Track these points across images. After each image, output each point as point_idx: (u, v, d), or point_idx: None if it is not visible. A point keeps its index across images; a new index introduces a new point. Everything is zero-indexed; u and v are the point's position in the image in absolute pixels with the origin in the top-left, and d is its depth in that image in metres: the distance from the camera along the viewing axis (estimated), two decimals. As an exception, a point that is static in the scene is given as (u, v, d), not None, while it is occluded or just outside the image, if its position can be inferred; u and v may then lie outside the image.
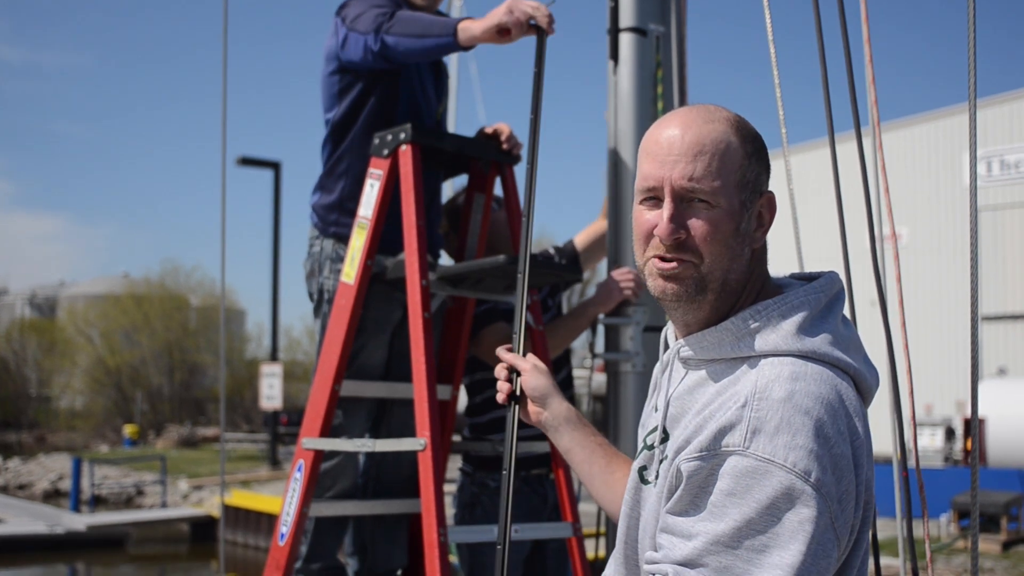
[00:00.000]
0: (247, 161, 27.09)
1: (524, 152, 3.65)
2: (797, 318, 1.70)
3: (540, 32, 3.34)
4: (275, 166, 28.35)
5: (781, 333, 1.69)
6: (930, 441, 19.77)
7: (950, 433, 20.29)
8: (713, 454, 1.59)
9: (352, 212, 3.64)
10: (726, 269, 1.74)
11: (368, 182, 3.53)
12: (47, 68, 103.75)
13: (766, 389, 1.61)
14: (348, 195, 3.69)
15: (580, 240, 4.31)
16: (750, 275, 1.78)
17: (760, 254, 1.81)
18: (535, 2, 3.35)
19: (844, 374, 1.68)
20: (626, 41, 3.93)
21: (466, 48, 3.38)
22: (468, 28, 3.35)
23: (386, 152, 3.49)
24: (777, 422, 1.57)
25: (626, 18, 3.95)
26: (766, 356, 1.67)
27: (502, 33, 3.35)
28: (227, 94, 5.31)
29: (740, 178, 1.74)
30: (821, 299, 1.74)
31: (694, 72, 4.24)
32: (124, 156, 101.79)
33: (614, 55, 3.93)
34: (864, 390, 1.72)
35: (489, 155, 3.73)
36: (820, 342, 1.68)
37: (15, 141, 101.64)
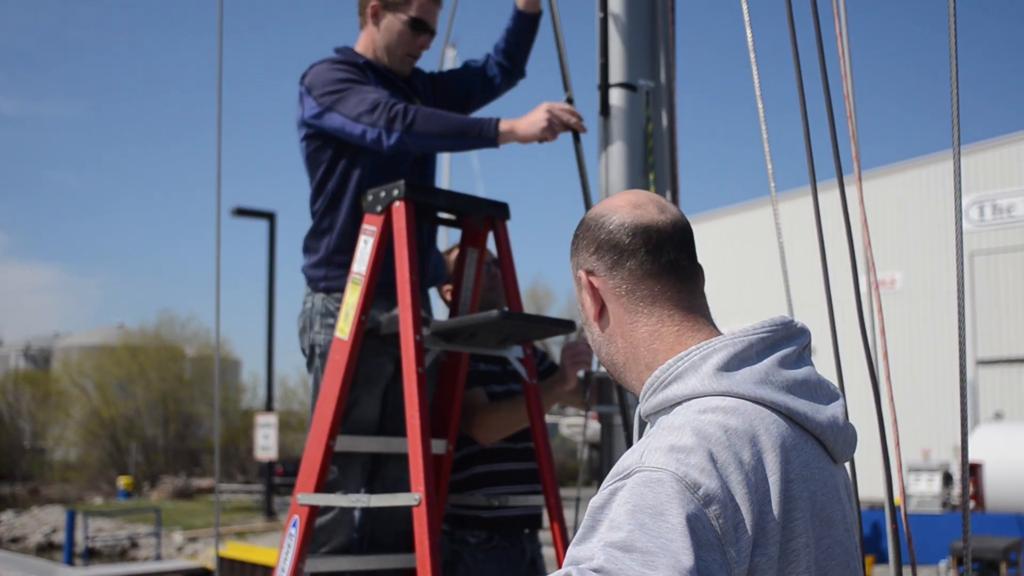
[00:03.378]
0: (242, 212, 27.17)
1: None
2: (716, 359, 1.65)
3: (575, 133, 3.68)
4: (270, 216, 28.43)
5: (700, 375, 1.64)
6: (928, 487, 19.74)
7: (948, 478, 20.25)
8: (612, 482, 1.52)
9: (339, 265, 3.73)
10: (606, 354, 1.82)
11: (362, 238, 3.57)
12: (42, 118, 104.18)
13: (671, 421, 1.60)
14: (334, 249, 3.77)
15: None
16: (642, 351, 1.77)
17: (640, 335, 1.77)
18: (568, 108, 3.65)
19: (773, 412, 1.62)
20: (616, 96, 3.98)
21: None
22: (510, 134, 3.59)
23: (379, 208, 3.52)
24: (669, 439, 1.53)
25: (616, 74, 4.00)
26: (688, 399, 1.64)
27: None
28: (221, 145, 5.37)
29: (575, 270, 1.85)
30: (750, 340, 1.69)
31: (683, 125, 4.31)
32: (119, 206, 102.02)
33: (604, 111, 3.98)
34: (811, 429, 1.66)
35: (482, 210, 3.76)
36: (740, 379, 1.63)
37: (10, 191, 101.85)
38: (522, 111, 3.68)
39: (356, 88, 3.68)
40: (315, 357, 3.76)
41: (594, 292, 1.80)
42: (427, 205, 3.66)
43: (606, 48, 4.02)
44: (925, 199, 32.79)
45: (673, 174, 4.12)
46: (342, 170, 3.79)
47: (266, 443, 27.15)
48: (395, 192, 3.49)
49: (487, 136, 3.58)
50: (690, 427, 1.55)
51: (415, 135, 3.56)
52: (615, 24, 4.04)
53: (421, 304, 3.52)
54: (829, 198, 3.12)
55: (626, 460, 1.55)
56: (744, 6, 3.73)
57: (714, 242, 37.34)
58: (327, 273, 3.78)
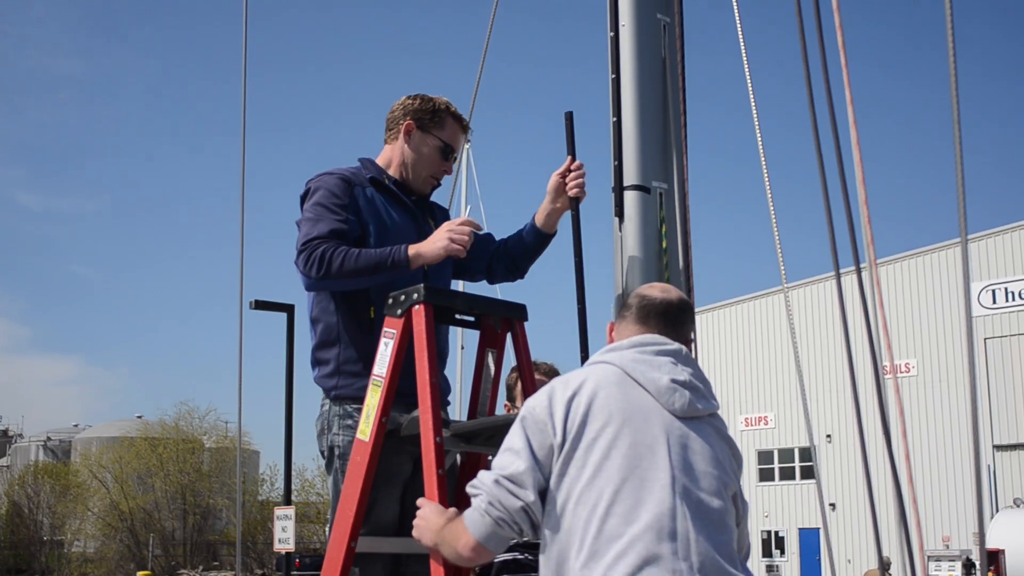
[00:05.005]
0: (261, 305, 27.32)
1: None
2: (610, 347, 2.91)
3: (574, 202, 3.88)
4: (289, 309, 28.57)
5: (597, 354, 2.93)
6: (948, 575, 19.46)
7: (970, 566, 19.98)
8: None
9: (350, 374, 3.83)
10: None
11: (382, 341, 3.64)
12: (64, 213, 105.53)
13: None
14: (344, 360, 3.88)
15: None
16: None
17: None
18: (463, 221, 3.86)
19: (614, 368, 2.80)
20: (630, 199, 4.06)
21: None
22: (417, 257, 3.80)
23: (399, 312, 3.60)
24: None
25: (630, 176, 4.09)
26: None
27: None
28: (244, 241, 5.47)
29: None
30: (624, 343, 2.88)
31: (696, 223, 4.39)
32: (139, 299, 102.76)
33: (619, 212, 4.06)
34: (641, 383, 2.76)
35: (500, 312, 3.84)
36: (607, 356, 2.85)
37: (32, 285, 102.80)
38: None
39: (315, 215, 3.85)
40: (334, 458, 3.82)
41: (610, 332, 3.05)
42: (446, 307, 3.73)
43: (620, 151, 4.12)
44: (937, 285, 32.79)
45: (687, 273, 4.19)
46: None
47: (284, 536, 26.97)
48: (415, 296, 3.56)
49: (400, 264, 3.78)
50: (560, 376, 2.85)
51: (329, 280, 3.77)
52: (628, 128, 4.15)
53: (440, 405, 3.57)
54: (845, 285, 3.19)
55: None
56: (753, 109, 3.83)
57: (728, 330, 37.33)
58: (339, 382, 3.88)
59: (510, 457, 2.75)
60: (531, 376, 3.88)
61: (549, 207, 4.08)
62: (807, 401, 5.17)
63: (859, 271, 3.23)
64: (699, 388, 2.85)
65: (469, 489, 2.79)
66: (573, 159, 3.99)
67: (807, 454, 39.72)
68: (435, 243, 3.80)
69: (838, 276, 3.27)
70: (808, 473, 41.09)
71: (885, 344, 3.37)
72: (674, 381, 2.78)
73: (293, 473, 31.55)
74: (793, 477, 41.95)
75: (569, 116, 3.97)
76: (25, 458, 68.17)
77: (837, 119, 3.17)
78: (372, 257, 3.78)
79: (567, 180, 3.97)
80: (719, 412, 2.95)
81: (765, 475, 42.92)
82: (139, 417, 61.92)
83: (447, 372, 4.14)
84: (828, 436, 37.30)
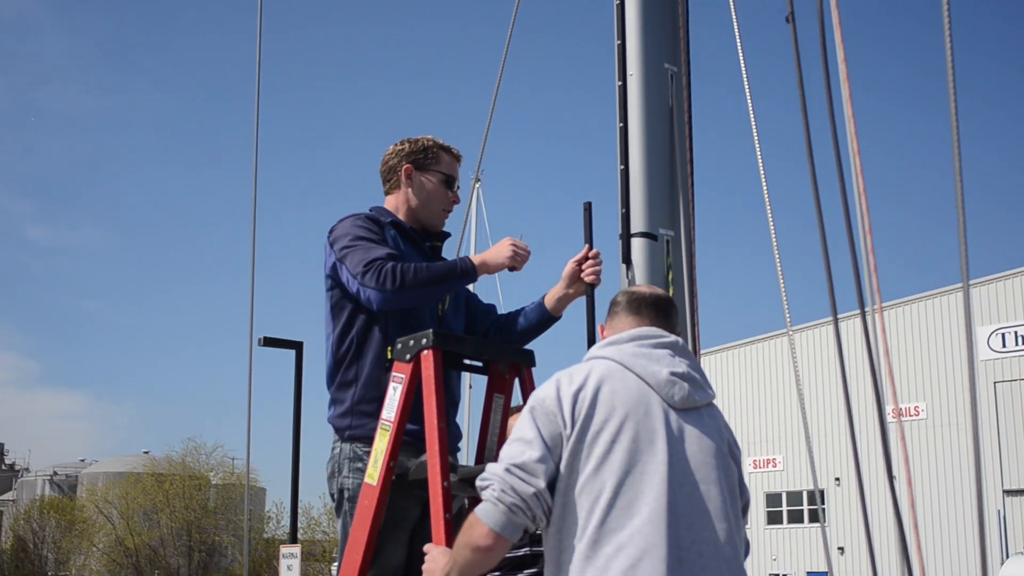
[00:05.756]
0: (270, 341, 27.34)
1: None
2: (604, 342, 3.01)
3: (590, 288, 3.95)
4: (297, 346, 28.60)
5: (594, 349, 3.03)
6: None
7: (982, 613, 19.83)
8: None
9: (364, 414, 3.86)
10: None
11: (391, 386, 3.67)
12: (74, 247, 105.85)
13: None
14: (359, 399, 3.92)
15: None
16: None
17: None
18: (523, 245, 3.99)
19: (614, 363, 2.89)
20: (637, 246, 4.12)
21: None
22: (483, 266, 3.94)
23: (408, 357, 3.63)
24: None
25: (637, 223, 4.14)
26: (587, 359, 3.01)
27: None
28: (254, 276, 5.52)
29: None
30: (622, 336, 2.98)
31: (702, 265, 4.42)
32: (147, 334, 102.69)
33: (626, 259, 4.11)
34: (642, 376, 2.86)
35: (508, 358, 3.87)
36: (606, 350, 2.95)
37: (41, 319, 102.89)
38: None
39: (363, 245, 3.90)
40: (344, 501, 3.85)
41: (602, 332, 3.16)
42: (454, 353, 3.77)
43: (627, 198, 4.18)
44: (946, 328, 32.73)
45: (694, 319, 4.23)
46: (364, 320, 3.95)
47: (290, 574, 26.89)
48: (424, 341, 3.60)
49: (468, 272, 3.90)
50: (563, 371, 2.92)
51: (406, 292, 3.79)
52: (636, 175, 4.20)
53: (448, 450, 3.61)
54: (851, 328, 3.24)
55: None
56: (758, 154, 3.88)
57: (735, 372, 37.29)
58: (352, 422, 3.91)
59: (521, 446, 2.80)
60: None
61: (561, 292, 4.13)
62: (812, 444, 5.18)
63: (864, 315, 3.27)
64: (696, 379, 2.95)
65: (478, 482, 2.83)
66: (591, 247, 4.03)
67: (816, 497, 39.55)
68: (500, 254, 3.95)
69: (836, 322, 3.31)
70: (817, 516, 40.86)
71: (889, 388, 3.41)
72: (673, 374, 2.89)
73: (299, 511, 31.48)
74: (801, 520, 41.72)
75: (588, 206, 4.01)
76: (31, 492, 68.06)
77: (842, 166, 3.21)
78: (441, 268, 3.88)
79: (584, 267, 4.02)
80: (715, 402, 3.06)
81: (773, 518, 42.70)
82: (146, 452, 61.82)
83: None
84: (836, 479, 37.12)
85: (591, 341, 3.89)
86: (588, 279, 3.98)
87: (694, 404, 2.91)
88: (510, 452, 2.81)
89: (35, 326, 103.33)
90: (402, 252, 4.00)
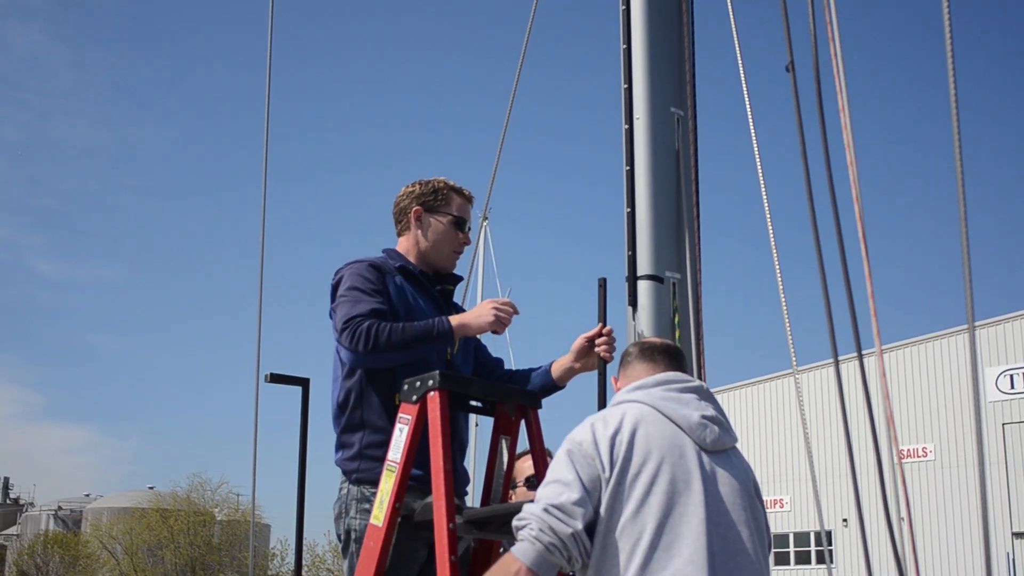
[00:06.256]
0: (276, 378, 27.34)
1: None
2: (631, 387, 3.09)
3: (602, 363, 3.95)
4: (304, 383, 28.57)
5: (621, 393, 3.11)
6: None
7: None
8: None
9: (372, 458, 3.86)
10: None
11: (397, 427, 3.68)
12: (82, 281, 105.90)
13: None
14: (367, 444, 3.92)
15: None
16: None
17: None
18: (506, 301, 3.92)
19: (645, 406, 2.96)
20: (644, 288, 4.13)
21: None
22: (462, 328, 3.89)
23: (415, 398, 3.65)
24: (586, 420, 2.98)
25: (643, 266, 4.16)
26: (615, 403, 3.07)
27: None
28: (262, 313, 5.54)
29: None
30: (648, 381, 3.06)
31: (709, 313, 4.44)
32: (153, 369, 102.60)
33: (633, 302, 4.13)
34: (673, 420, 2.94)
35: (514, 399, 3.88)
36: (635, 394, 3.03)
37: (48, 353, 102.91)
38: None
39: (352, 297, 3.92)
40: (351, 542, 3.85)
41: (615, 385, 3.26)
42: (461, 394, 3.78)
43: (634, 241, 4.20)
44: (954, 369, 32.66)
45: (700, 362, 4.24)
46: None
47: (294, 612, 26.75)
48: (430, 382, 3.62)
49: (445, 335, 3.85)
50: (596, 415, 2.98)
51: (379, 354, 3.82)
52: (642, 218, 4.22)
53: (455, 493, 3.61)
54: (854, 369, 3.26)
55: None
56: (764, 195, 3.91)
57: (742, 412, 37.19)
58: (360, 465, 3.92)
59: (559, 488, 2.84)
60: (545, 466, 3.91)
61: (569, 365, 4.13)
62: (819, 485, 5.18)
63: (861, 359, 3.29)
64: (723, 423, 3.05)
65: (515, 522, 2.88)
66: (604, 325, 4.03)
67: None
68: (480, 317, 3.89)
69: (836, 364, 3.33)
70: (824, 557, 40.59)
71: (891, 429, 3.44)
72: (704, 417, 2.98)
73: (304, 548, 31.35)
74: (809, 561, 41.45)
75: (602, 283, 4.01)
76: (35, 527, 67.85)
77: (840, 206, 3.24)
78: (417, 330, 3.86)
79: (597, 343, 4.01)
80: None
81: (780, 559, 42.42)
82: (151, 488, 61.68)
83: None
84: (844, 520, 36.91)
85: (602, 406, 3.90)
86: (602, 355, 3.98)
87: (723, 447, 3.00)
88: (548, 493, 2.85)
89: (42, 359, 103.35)
90: (408, 301, 4.02)
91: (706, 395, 3.09)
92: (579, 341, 4.06)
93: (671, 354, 3.21)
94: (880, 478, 3.25)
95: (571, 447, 2.90)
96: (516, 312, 3.95)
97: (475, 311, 3.93)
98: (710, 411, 3.02)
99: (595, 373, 3.97)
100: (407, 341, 3.82)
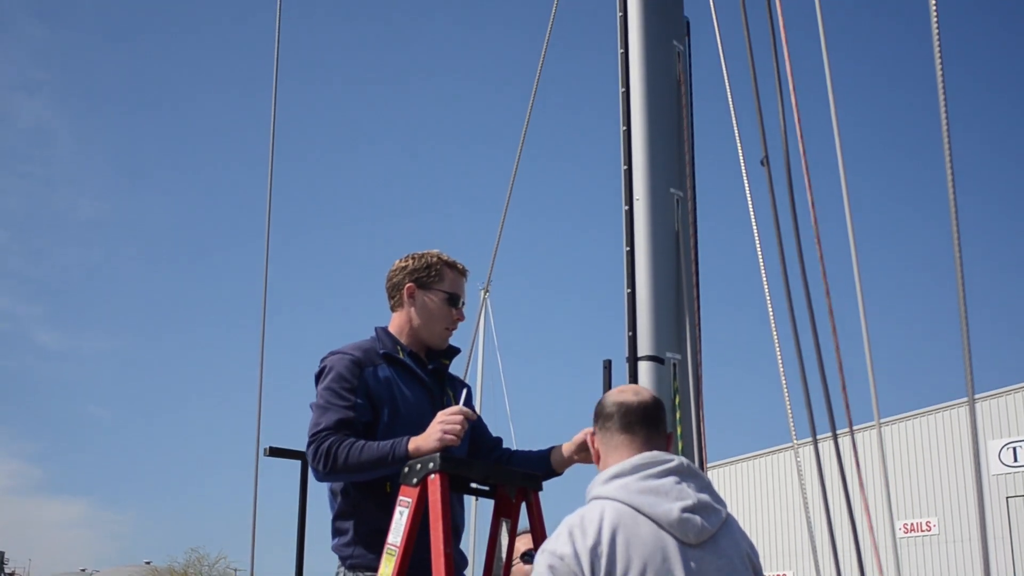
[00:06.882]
0: (275, 451, 27.22)
1: None
2: (605, 476, 3.00)
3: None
4: (303, 456, 28.39)
5: (596, 485, 3.01)
6: None
7: None
8: None
9: (367, 545, 3.83)
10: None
11: (398, 510, 3.66)
12: (82, 352, 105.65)
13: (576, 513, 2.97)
14: (361, 530, 3.89)
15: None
16: None
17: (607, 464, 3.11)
18: (457, 411, 3.78)
19: (623, 504, 2.90)
20: (644, 369, 4.14)
21: None
22: (416, 452, 3.74)
23: (415, 480, 3.63)
24: (561, 526, 2.94)
25: (644, 347, 4.17)
26: (591, 499, 3.00)
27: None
28: (262, 388, 5.53)
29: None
30: (624, 465, 2.99)
31: (709, 391, 4.45)
32: (151, 441, 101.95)
33: (633, 382, 4.13)
34: (651, 517, 2.88)
35: (515, 482, 3.87)
36: (611, 488, 2.95)
37: (46, 425, 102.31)
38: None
39: (324, 402, 3.90)
40: (347, 626, 3.81)
41: (594, 444, 3.20)
42: (462, 476, 3.76)
43: (634, 322, 4.21)
44: (956, 442, 32.53)
45: (700, 443, 4.23)
46: None
47: None
48: (431, 465, 3.61)
49: (400, 459, 3.75)
50: (572, 518, 2.94)
51: (336, 475, 3.82)
52: (642, 299, 4.24)
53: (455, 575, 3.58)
54: (861, 440, 3.28)
55: None
56: (763, 273, 3.94)
57: (742, 486, 37.01)
58: (354, 551, 3.89)
59: None
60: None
61: (568, 455, 4.06)
62: (820, 559, 5.15)
63: (836, 438, 3.29)
64: (707, 503, 2.98)
65: None
66: None
67: (826, 613, 38.81)
68: (430, 437, 3.76)
69: (815, 442, 3.37)
70: (827, 633, 39.94)
71: (863, 506, 3.47)
72: (684, 510, 2.91)
73: (301, 624, 30.94)
74: (813, 636, 40.89)
75: (607, 364, 4.00)
76: (30, 603, 67.17)
77: (811, 283, 3.28)
78: (374, 452, 3.79)
79: None
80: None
81: (785, 633, 41.90)
82: (147, 563, 61.14)
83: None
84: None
85: None
86: None
87: (708, 534, 2.94)
88: None
89: (39, 432, 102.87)
90: (392, 393, 3.97)
91: (687, 474, 3.02)
92: (581, 435, 3.99)
93: (649, 420, 3.13)
94: (857, 554, 3.24)
95: (552, 562, 2.88)
96: (470, 418, 3.81)
97: (427, 432, 3.79)
98: (690, 499, 2.95)
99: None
100: (363, 464, 3.77)
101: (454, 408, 3.81)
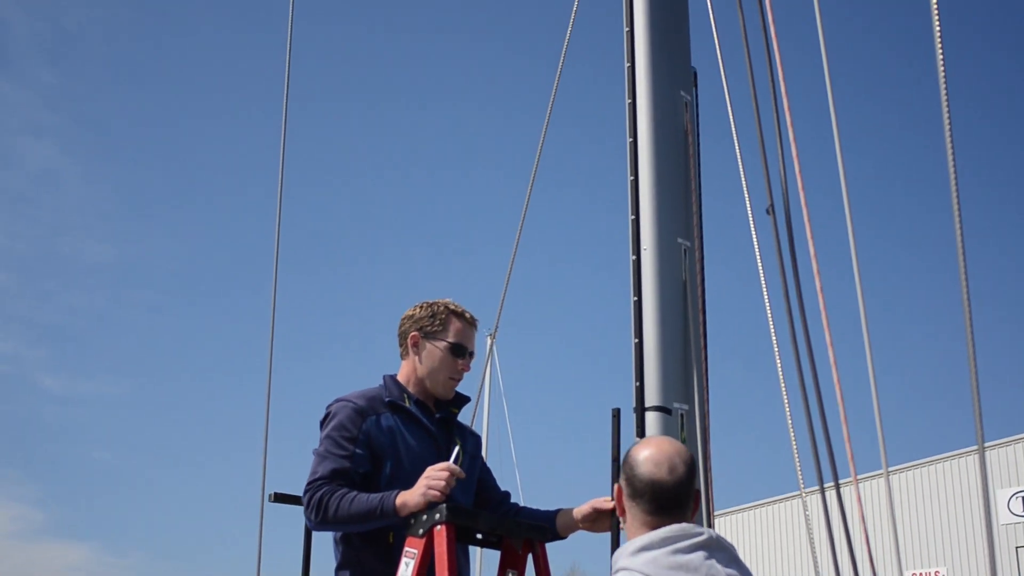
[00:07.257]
0: (280, 497, 27.08)
1: None
2: (633, 547, 2.88)
3: (615, 520, 3.78)
4: (308, 501, 28.30)
5: (624, 555, 2.89)
6: None
7: None
8: None
9: None
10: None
11: (403, 561, 3.65)
12: (87, 397, 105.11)
13: None
14: None
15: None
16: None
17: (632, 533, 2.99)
18: (444, 468, 3.75)
19: (635, 573, 2.80)
20: (651, 420, 4.11)
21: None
22: (403, 507, 3.72)
23: (421, 531, 3.62)
24: None
25: (651, 397, 4.14)
26: (617, 569, 2.88)
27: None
28: (268, 432, 5.52)
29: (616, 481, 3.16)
30: (653, 537, 2.85)
31: (717, 441, 4.41)
32: (155, 486, 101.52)
33: (641, 433, 4.10)
34: None
35: (521, 533, 3.85)
36: (640, 560, 2.83)
37: (50, 469, 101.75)
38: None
39: (323, 451, 3.91)
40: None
41: (620, 499, 3.04)
42: (468, 527, 3.75)
43: (641, 372, 4.19)
44: (965, 490, 32.32)
45: (708, 494, 4.20)
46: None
47: None
48: (437, 515, 3.59)
49: (389, 514, 3.74)
50: None
51: (327, 525, 3.84)
52: (650, 349, 4.22)
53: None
54: (866, 489, 3.26)
55: None
56: (772, 330, 3.94)
57: (750, 533, 36.78)
58: None
59: None
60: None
61: (575, 522, 4.03)
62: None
63: (823, 491, 3.28)
64: None
65: None
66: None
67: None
68: (415, 493, 3.73)
69: (823, 491, 3.34)
70: None
71: (867, 554, 3.48)
72: None
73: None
74: None
75: (616, 413, 3.95)
76: (31, 650, 66.62)
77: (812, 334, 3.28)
78: (363, 505, 3.78)
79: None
80: None
81: None
82: (150, 609, 60.68)
83: None
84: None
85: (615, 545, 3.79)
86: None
87: None
88: None
89: (43, 476, 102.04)
90: (395, 442, 3.96)
91: (716, 548, 2.91)
92: (590, 508, 3.95)
93: (680, 498, 2.96)
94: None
95: None
96: (458, 475, 3.78)
97: (414, 488, 3.76)
98: (720, 573, 2.85)
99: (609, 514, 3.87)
100: (352, 516, 3.77)
101: (442, 464, 3.78)
